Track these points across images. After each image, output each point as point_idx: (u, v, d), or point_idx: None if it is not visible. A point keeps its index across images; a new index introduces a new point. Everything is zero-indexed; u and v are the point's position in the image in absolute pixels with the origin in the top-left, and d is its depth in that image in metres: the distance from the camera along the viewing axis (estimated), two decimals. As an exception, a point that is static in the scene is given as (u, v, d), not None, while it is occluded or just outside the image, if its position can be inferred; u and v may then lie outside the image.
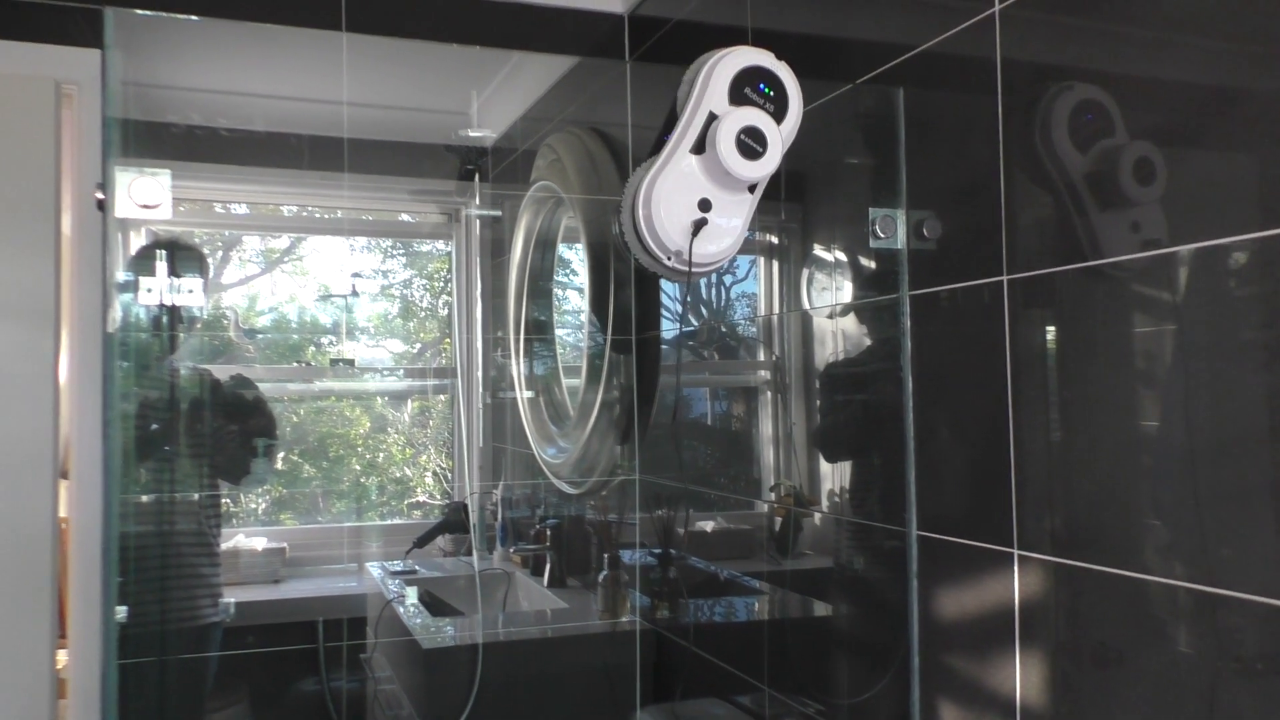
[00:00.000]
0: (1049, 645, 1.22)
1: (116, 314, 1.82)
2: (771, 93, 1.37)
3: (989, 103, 1.30)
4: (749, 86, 1.36)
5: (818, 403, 1.78)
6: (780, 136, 1.35)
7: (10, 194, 1.98)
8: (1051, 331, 1.23)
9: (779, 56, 1.38)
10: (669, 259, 1.36)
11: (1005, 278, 1.27)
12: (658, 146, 1.38)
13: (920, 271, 1.44)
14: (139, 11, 1.94)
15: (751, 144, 1.33)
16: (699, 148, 1.34)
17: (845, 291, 1.67)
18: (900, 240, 1.46)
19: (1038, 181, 1.24)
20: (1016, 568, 1.26)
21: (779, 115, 1.36)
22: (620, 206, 1.40)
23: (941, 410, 1.41)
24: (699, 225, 1.33)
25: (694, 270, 1.37)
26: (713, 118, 1.34)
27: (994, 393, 1.29)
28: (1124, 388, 1.13)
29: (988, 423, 1.30)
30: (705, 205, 1.34)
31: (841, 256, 1.69)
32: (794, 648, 1.80)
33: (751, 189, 1.38)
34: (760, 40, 1.82)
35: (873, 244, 1.48)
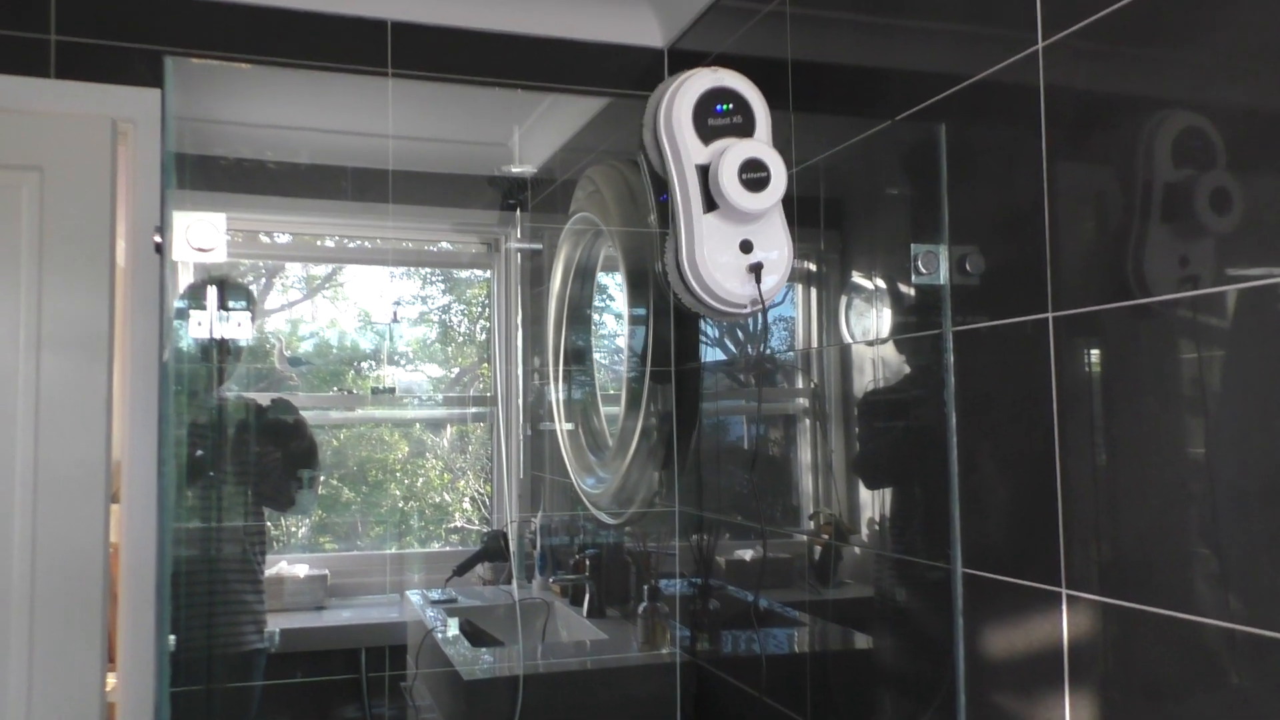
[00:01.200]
0: (1100, 687, 1.20)
1: (170, 348, 1.87)
2: (731, 106, 1.35)
3: (1033, 137, 1.29)
4: (709, 116, 1.34)
5: (856, 430, 1.77)
6: (768, 146, 1.33)
7: (68, 228, 2.04)
8: (1100, 369, 1.22)
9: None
10: (747, 308, 1.38)
11: (1050, 314, 1.26)
12: (665, 214, 1.37)
13: (963, 306, 1.44)
14: (195, 60, 1.99)
15: (755, 176, 1.32)
16: (710, 205, 1.33)
17: (885, 321, 1.67)
18: (943, 276, 1.46)
19: (1092, 212, 1.23)
20: (1065, 607, 1.24)
21: (749, 126, 1.34)
22: (671, 288, 1.40)
23: (985, 446, 1.40)
24: (757, 270, 1.34)
25: (768, 303, 1.39)
26: (702, 171, 1.32)
27: (1040, 430, 1.28)
28: (1174, 426, 1.12)
29: (1034, 460, 1.29)
30: (747, 246, 1.34)
31: (881, 286, 1.69)
32: (836, 680, 1.79)
33: None
34: (801, 74, 1.83)
35: (915, 279, 1.48)
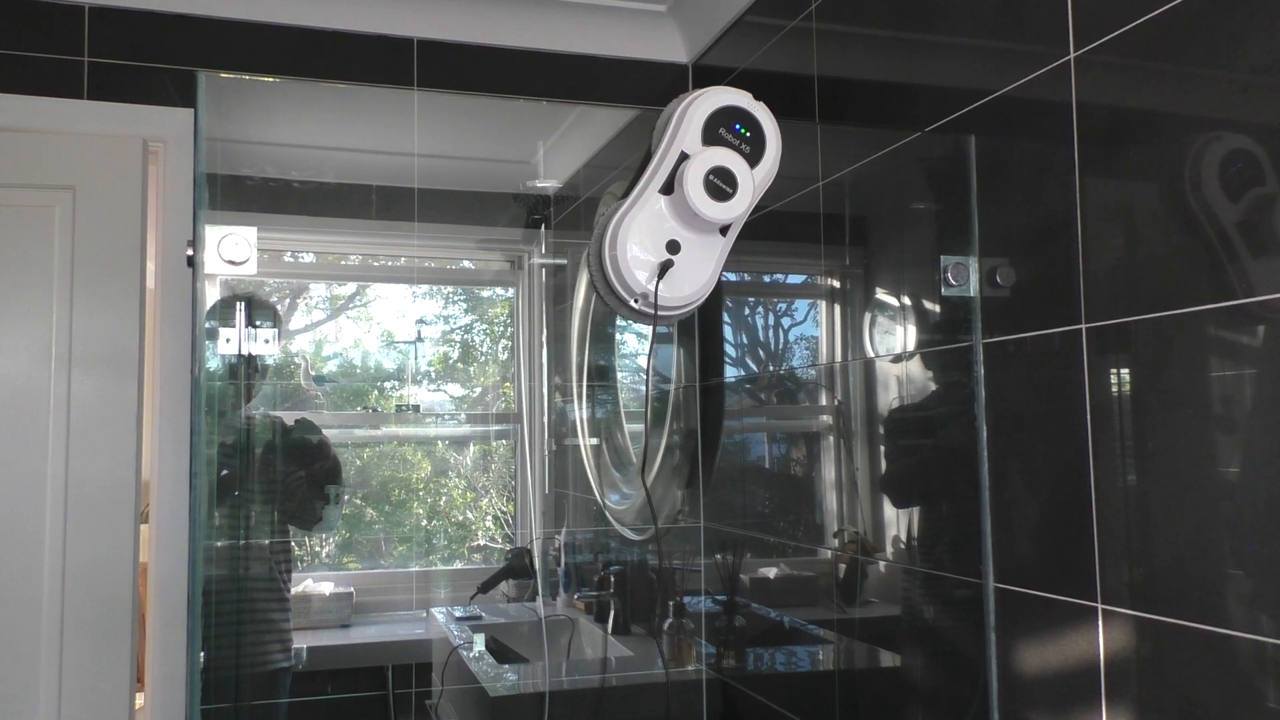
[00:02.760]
0: (1137, 703, 1.18)
1: (201, 363, 1.88)
2: (748, 133, 1.32)
3: (1065, 149, 1.29)
4: (724, 127, 1.31)
5: (882, 448, 1.76)
6: (753, 179, 1.30)
7: (99, 247, 2.06)
8: (1135, 381, 1.20)
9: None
10: (634, 301, 1.31)
11: (1084, 326, 1.25)
12: (631, 187, 1.34)
13: (993, 320, 1.43)
14: (224, 75, 2.02)
15: (720, 185, 1.28)
16: (668, 188, 1.29)
17: (911, 336, 1.66)
18: (973, 288, 1.45)
19: (1125, 225, 1.23)
20: (1100, 622, 1.23)
21: (755, 157, 1.31)
22: (590, 246, 1.37)
23: (1017, 459, 1.38)
24: (665, 267, 1.29)
25: (661, 314, 1.31)
26: (684, 157, 1.29)
27: (1074, 442, 1.26)
28: (1210, 438, 1.10)
29: (1067, 473, 1.28)
30: (674, 247, 1.30)
31: (907, 301, 1.68)
32: (864, 699, 1.77)
33: (724, 231, 1.33)
34: (828, 88, 1.83)
35: (944, 291, 1.47)
